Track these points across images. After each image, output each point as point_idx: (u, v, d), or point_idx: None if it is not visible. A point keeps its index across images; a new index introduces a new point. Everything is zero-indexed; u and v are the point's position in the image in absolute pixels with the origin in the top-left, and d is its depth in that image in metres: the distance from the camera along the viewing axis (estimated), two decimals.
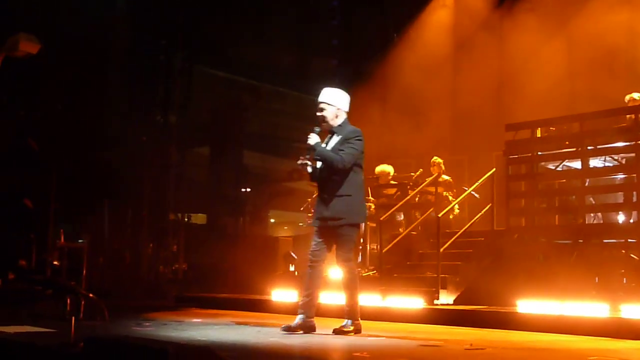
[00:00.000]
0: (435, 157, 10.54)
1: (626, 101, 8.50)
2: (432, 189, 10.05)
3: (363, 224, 6.13)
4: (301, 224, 16.54)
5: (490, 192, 9.35)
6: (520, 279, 7.53)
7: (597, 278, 7.45)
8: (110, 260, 14.18)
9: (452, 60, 13.14)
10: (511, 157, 8.67)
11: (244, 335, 5.87)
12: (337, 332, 5.74)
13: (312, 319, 5.84)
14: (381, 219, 9.47)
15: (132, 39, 15.01)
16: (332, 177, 5.79)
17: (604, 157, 8.15)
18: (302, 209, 10.67)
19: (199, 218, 18.22)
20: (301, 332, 5.78)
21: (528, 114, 9.42)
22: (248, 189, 18.53)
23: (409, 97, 12.62)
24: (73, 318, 4.64)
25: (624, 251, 7.82)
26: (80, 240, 12.00)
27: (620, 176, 8.29)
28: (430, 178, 10.07)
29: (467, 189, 9.65)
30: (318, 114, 5.90)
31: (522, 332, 6.28)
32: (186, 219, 15.22)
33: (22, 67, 10.45)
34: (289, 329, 5.79)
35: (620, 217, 8.32)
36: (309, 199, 10.51)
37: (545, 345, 5.42)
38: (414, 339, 5.64)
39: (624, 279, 7.43)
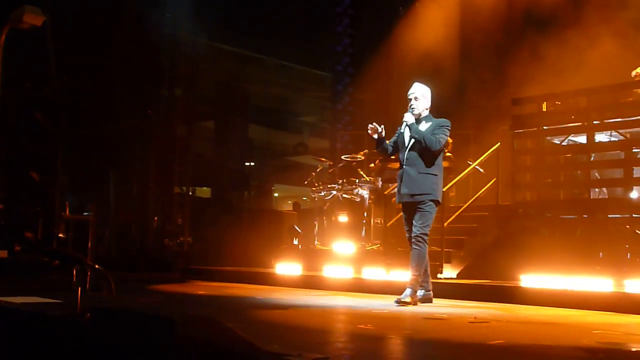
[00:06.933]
0: None
1: (633, 76, 8.42)
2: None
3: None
4: (305, 198, 16.56)
5: (495, 166, 9.34)
6: (525, 254, 7.55)
7: (601, 253, 7.47)
8: (116, 232, 14.25)
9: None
10: (517, 131, 8.64)
11: (248, 307, 5.91)
12: (398, 302, 6.15)
13: (430, 292, 6.48)
14: (385, 193, 9.47)
15: (138, 12, 14.92)
16: (421, 156, 6.34)
17: (609, 131, 8.11)
18: (306, 183, 10.65)
19: (204, 192, 18.27)
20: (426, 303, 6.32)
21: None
22: (252, 163, 18.55)
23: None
24: (79, 289, 4.65)
25: (628, 226, 7.82)
26: (86, 213, 12.04)
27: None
28: None
29: (471, 163, 9.64)
30: (412, 102, 6.48)
31: (526, 306, 6.30)
32: (191, 193, 15.27)
33: (29, 40, 10.44)
34: (404, 303, 6.13)
35: (634, 194, 8.20)
36: (313, 173, 10.50)
37: (549, 319, 5.44)
38: (417, 312, 5.67)
39: (628, 254, 7.44)
